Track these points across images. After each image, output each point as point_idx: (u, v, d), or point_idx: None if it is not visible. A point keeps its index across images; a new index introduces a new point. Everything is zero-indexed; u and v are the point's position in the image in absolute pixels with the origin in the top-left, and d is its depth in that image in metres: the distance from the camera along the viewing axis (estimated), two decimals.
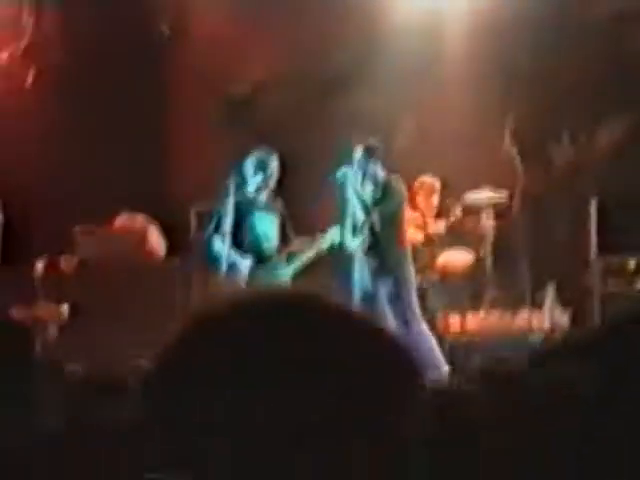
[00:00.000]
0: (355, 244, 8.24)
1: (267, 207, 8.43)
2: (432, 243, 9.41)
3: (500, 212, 9.75)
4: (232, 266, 8.12)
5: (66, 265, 9.65)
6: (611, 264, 9.55)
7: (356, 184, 8.33)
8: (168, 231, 9.06)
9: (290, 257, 8.40)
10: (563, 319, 9.74)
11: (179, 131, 10.85)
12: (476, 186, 9.40)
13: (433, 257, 9.35)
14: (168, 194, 10.16)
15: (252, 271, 8.21)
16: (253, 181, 8.39)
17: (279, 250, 8.34)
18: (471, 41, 10.41)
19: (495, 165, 9.67)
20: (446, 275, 9.35)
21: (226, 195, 8.19)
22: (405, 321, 7.90)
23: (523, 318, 9.50)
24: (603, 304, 9.31)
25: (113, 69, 10.67)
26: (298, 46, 10.63)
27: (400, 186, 8.47)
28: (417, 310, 8.06)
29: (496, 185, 9.56)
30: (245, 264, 8.19)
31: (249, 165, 8.44)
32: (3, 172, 10.38)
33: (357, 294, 7.91)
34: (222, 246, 8.09)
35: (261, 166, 8.42)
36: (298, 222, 9.71)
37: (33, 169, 10.60)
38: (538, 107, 10.30)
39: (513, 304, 9.67)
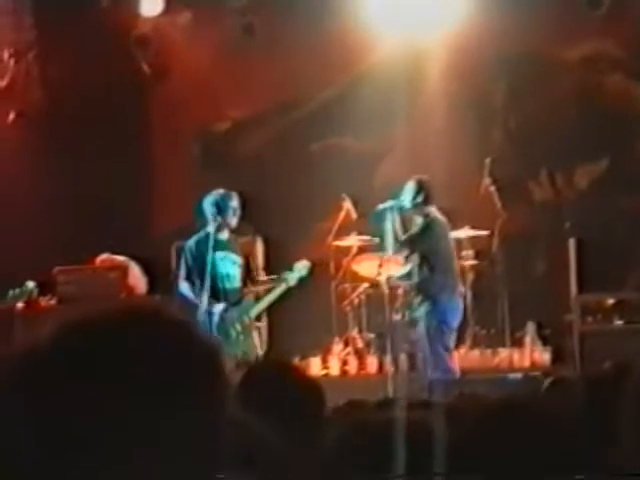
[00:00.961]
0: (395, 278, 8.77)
1: (228, 247, 8.44)
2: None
3: (480, 251, 9.78)
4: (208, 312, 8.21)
5: (46, 305, 9.58)
6: (590, 302, 9.59)
7: (395, 221, 8.60)
8: (150, 268, 9.02)
9: (259, 297, 8.47)
10: (544, 357, 9.76)
11: (161, 169, 10.88)
12: (456, 226, 9.44)
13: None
14: (150, 231, 10.16)
15: (224, 313, 8.26)
16: (213, 221, 8.43)
17: (241, 290, 8.36)
18: (449, 81, 10.52)
19: (474, 205, 9.71)
20: None
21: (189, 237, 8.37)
22: (447, 347, 8.49)
23: (504, 356, 9.50)
24: (582, 341, 9.33)
25: (94, 108, 10.70)
26: (279, 84, 10.70)
27: (440, 222, 8.63)
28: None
29: (475, 225, 9.60)
30: (218, 308, 8.24)
31: (208, 205, 8.48)
32: None
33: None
34: (187, 289, 8.24)
35: (221, 205, 8.45)
36: (278, 261, 9.75)
37: (14, 209, 10.57)
38: (516, 148, 10.40)
39: (493, 342, 9.68)
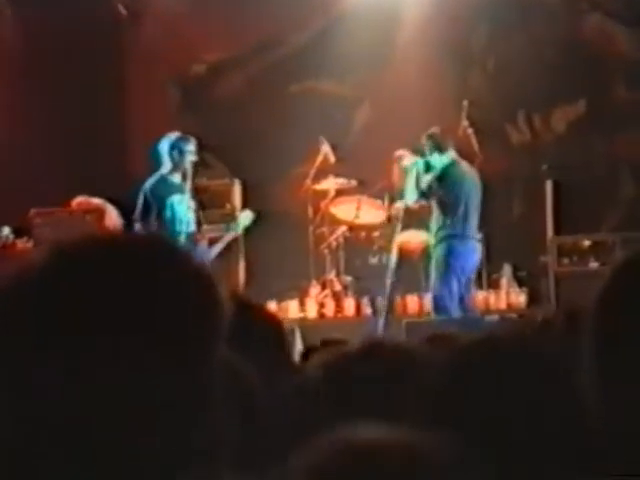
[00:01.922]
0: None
1: (184, 191, 8.46)
2: (392, 223, 9.44)
3: None
4: None
5: (22, 248, 9.57)
6: (566, 244, 9.64)
7: (419, 172, 8.74)
8: (126, 211, 9.01)
9: (211, 242, 8.56)
10: (520, 299, 9.83)
11: (137, 112, 10.82)
12: None
13: (392, 237, 9.37)
14: (126, 175, 10.13)
15: None
16: (168, 163, 8.46)
17: (195, 235, 8.41)
18: (426, 25, 10.45)
19: (453, 146, 9.69)
20: (404, 256, 9.38)
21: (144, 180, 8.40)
22: (459, 291, 8.61)
23: (480, 298, 9.56)
24: (558, 283, 9.40)
25: (70, 50, 10.60)
26: (255, 27, 10.61)
27: (460, 167, 8.74)
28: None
29: None
30: None
31: (165, 148, 8.51)
32: None
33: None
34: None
35: (178, 149, 8.47)
36: (255, 205, 9.75)
37: None
38: (494, 90, 10.38)
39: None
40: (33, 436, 1.23)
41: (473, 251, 8.78)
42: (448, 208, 8.67)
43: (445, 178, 8.72)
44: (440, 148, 8.78)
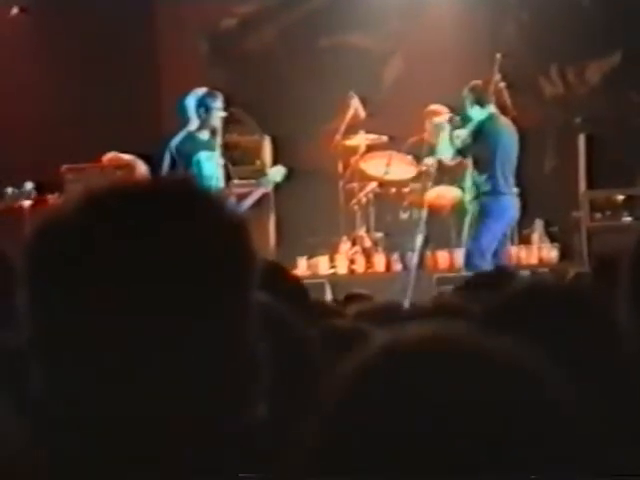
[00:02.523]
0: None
1: (211, 147, 8.43)
2: (423, 179, 9.40)
3: None
4: None
5: (54, 203, 9.62)
6: (599, 198, 9.56)
7: (452, 128, 8.71)
8: (156, 166, 9.02)
9: (241, 198, 8.53)
10: (551, 254, 9.77)
11: (167, 67, 10.80)
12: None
13: (422, 193, 9.34)
14: (157, 130, 10.12)
15: None
16: (195, 120, 8.42)
17: (223, 191, 8.36)
18: None
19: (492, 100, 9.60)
20: (435, 211, 9.35)
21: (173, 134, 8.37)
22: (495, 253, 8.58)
23: (512, 254, 9.51)
24: (590, 238, 9.33)
25: (101, 7, 10.57)
26: None
27: (499, 121, 8.70)
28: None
29: None
30: None
31: (191, 104, 8.45)
32: None
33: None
34: None
35: (204, 105, 8.41)
36: (285, 160, 9.72)
37: (19, 107, 10.54)
38: (527, 43, 10.25)
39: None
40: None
41: (509, 208, 8.71)
42: (484, 164, 8.60)
43: (482, 133, 8.64)
44: (481, 101, 8.71)
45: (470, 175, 8.71)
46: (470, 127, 8.71)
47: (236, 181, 8.75)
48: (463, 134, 8.74)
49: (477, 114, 8.70)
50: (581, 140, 9.94)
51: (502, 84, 9.50)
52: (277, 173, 8.97)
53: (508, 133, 8.78)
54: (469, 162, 8.73)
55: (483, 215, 8.56)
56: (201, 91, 8.54)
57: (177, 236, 1.26)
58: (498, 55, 9.50)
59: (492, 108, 8.77)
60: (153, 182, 1.43)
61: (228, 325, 1.28)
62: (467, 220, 8.65)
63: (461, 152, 8.76)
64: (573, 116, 10.10)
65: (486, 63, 9.62)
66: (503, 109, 9.22)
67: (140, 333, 1.24)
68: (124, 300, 1.24)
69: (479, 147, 8.63)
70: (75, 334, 1.25)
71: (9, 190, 9.67)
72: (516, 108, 9.45)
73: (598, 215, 9.47)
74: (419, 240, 8.77)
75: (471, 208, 8.66)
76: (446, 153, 8.79)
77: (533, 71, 10.25)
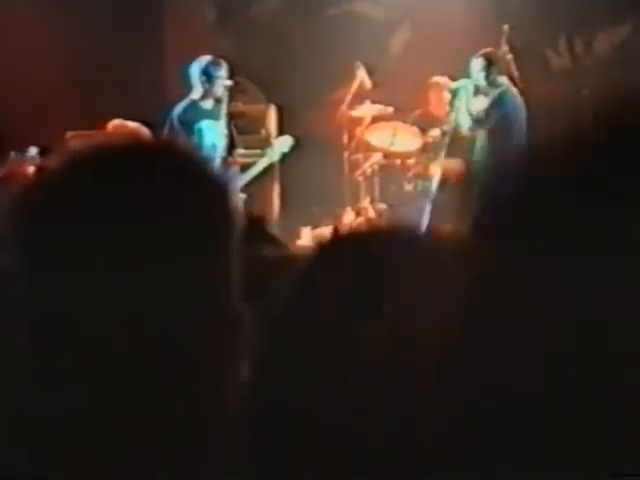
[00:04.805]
0: None
1: (214, 116, 8.38)
2: (428, 150, 9.37)
3: None
4: None
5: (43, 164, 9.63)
6: None
7: (468, 96, 8.65)
8: (161, 135, 9.01)
9: (244, 168, 8.50)
10: None
11: (174, 34, 10.75)
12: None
13: (427, 165, 9.32)
14: (162, 98, 10.09)
15: None
16: (199, 88, 8.38)
17: (225, 160, 8.32)
18: None
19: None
20: (442, 183, 9.32)
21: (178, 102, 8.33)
22: None
23: None
24: None
25: None
26: None
27: (513, 93, 8.67)
28: None
29: None
30: None
31: (194, 72, 8.42)
32: None
33: None
34: None
35: (208, 73, 8.37)
36: (290, 130, 9.69)
37: (24, 73, 10.51)
38: (535, 14, 10.18)
39: None
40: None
41: None
42: (499, 135, 8.55)
43: (499, 104, 8.60)
44: (491, 72, 8.65)
45: (482, 147, 8.66)
46: (491, 96, 8.65)
47: (241, 150, 8.72)
48: (482, 104, 8.67)
49: (493, 86, 8.64)
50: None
51: (509, 56, 9.45)
52: (284, 143, 8.92)
53: (520, 105, 8.74)
54: (482, 133, 8.69)
55: None
56: (205, 59, 8.50)
57: (157, 195, 1.28)
58: (505, 27, 9.44)
59: (505, 80, 8.73)
60: (137, 142, 1.44)
61: (209, 286, 1.30)
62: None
63: (480, 122, 8.69)
64: (581, 89, 10.04)
65: (493, 34, 9.56)
66: (510, 81, 9.17)
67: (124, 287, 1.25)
68: (105, 260, 1.25)
69: (497, 118, 8.57)
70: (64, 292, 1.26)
71: (12, 154, 9.67)
72: (522, 80, 9.41)
73: None
74: (427, 210, 8.78)
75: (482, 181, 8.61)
76: (465, 123, 8.73)
77: (541, 43, 10.18)
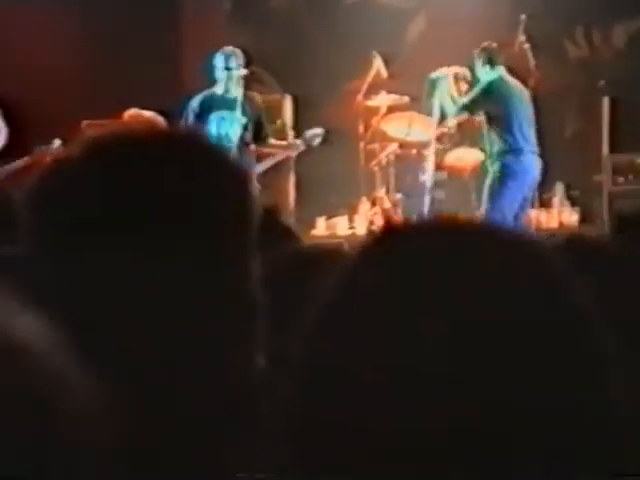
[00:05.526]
0: None
1: (230, 106, 8.38)
2: (442, 141, 9.36)
3: None
4: None
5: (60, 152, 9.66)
6: (621, 162, 9.49)
7: (451, 87, 8.71)
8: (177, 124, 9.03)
9: (261, 157, 8.48)
10: (572, 218, 9.73)
11: (191, 24, 10.76)
12: None
13: (442, 155, 9.31)
14: (178, 87, 10.11)
15: None
16: (220, 79, 8.39)
17: (241, 150, 8.27)
18: None
19: (508, 61, 9.54)
20: (455, 173, 9.32)
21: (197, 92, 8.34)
22: (516, 216, 8.53)
23: (532, 217, 9.47)
24: (612, 202, 9.27)
25: None
26: None
27: (509, 82, 8.65)
28: None
29: None
30: None
31: (212, 63, 8.43)
32: (10, 67, 10.32)
33: None
34: None
35: (223, 65, 8.38)
36: (306, 120, 9.69)
37: (40, 63, 10.54)
38: (552, 3, 10.14)
39: None
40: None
41: (531, 168, 8.64)
42: (499, 122, 8.54)
43: (492, 92, 8.58)
44: (492, 62, 8.64)
45: (487, 135, 8.66)
46: (480, 86, 8.65)
47: (272, 141, 8.63)
48: (474, 92, 8.67)
49: (487, 75, 8.64)
50: (605, 103, 9.85)
51: (526, 45, 9.42)
52: (314, 136, 8.67)
53: (518, 95, 8.70)
54: (484, 121, 8.67)
55: (504, 178, 8.51)
56: (222, 51, 8.51)
57: (176, 182, 1.27)
58: (523, 16, 9.42)
59: (502, 70, 8.68)
60: (156, 129, 1.44)
61: (227, 277, 1.30)
62: (487, 182, 8.61)
63: (469, 109, 8.69)
64: (597, 79, 10.01)
65: (511, 24, 9.54)
66: (526, 71, 9.16)
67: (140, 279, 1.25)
68: (122, 247, 1.25)
69: (489, 105, 8.56)
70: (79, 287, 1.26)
71: (37, 148, 9.72)
72: (539, 70, 9.38)
73: (621, 179, 9.41)
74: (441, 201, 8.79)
75: (492, 169, 8.62)
76: (451, 111, 8.72)
77: (558, 33, 10.14)
